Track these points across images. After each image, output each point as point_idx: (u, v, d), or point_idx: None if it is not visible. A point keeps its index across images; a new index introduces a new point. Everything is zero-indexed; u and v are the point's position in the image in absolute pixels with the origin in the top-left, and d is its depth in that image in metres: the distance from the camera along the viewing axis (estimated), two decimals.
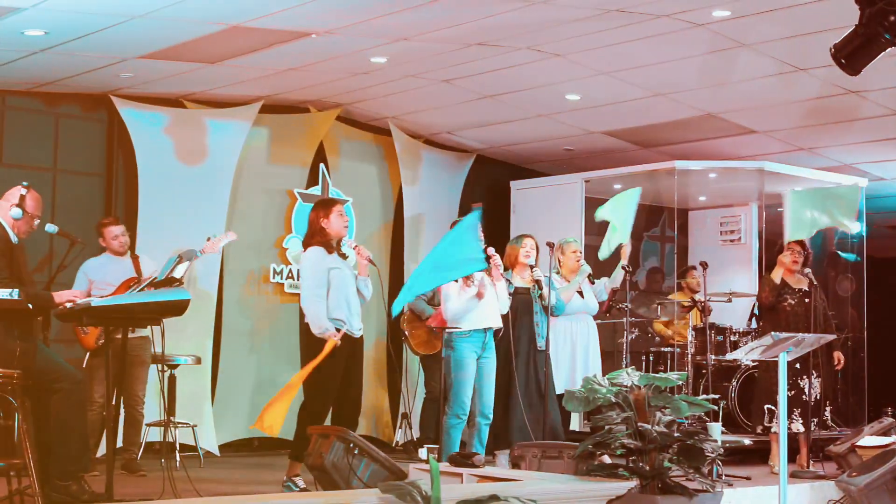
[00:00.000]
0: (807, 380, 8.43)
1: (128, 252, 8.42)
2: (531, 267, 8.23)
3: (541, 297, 8.21)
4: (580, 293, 8.80)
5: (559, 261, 8.87)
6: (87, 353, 8.12)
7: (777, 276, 8.61)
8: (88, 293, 7.78)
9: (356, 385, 7.43)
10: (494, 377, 7.76)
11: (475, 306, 7.53)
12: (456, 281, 7.57)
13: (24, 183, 6.25)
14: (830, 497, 7.49)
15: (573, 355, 8.81)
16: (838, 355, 8.87)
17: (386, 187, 11.31)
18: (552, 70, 9.01)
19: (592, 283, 8.86)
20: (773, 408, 8.38)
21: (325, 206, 7.49)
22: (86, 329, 7.93)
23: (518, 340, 8.05)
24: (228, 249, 10.02)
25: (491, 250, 7.64)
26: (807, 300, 8.55)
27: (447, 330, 7.62)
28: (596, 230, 11.07)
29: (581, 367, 8.77)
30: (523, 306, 8.18)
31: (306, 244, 7.43)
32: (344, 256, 7.42)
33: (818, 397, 8.48)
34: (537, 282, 8.29)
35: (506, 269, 8.17)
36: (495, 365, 7.76)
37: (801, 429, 8.40)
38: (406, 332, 10.06)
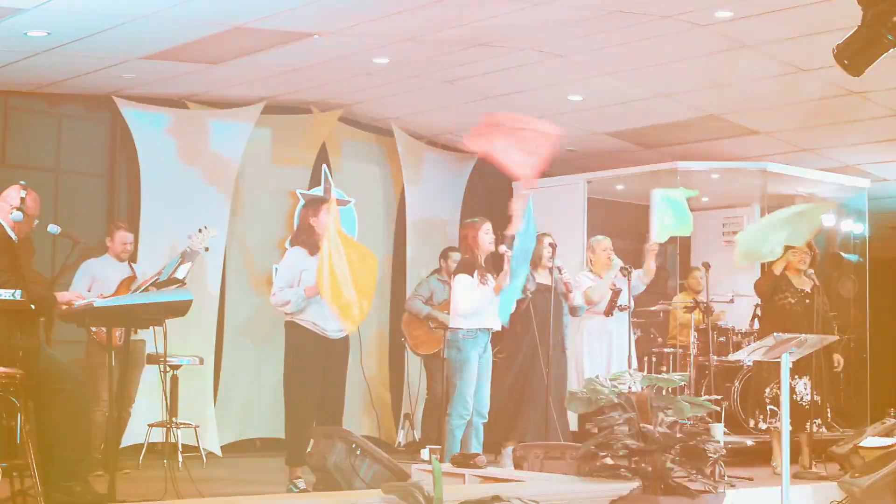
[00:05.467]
0: (798, 380, 8.42)
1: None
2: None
3: (565, 296, 8.22)
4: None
5: (590, 259, 8.87)
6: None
7: (778, 268, 8.58)
8: (88, 290, 7.80)
9: (337, 386, 7.46)
10: (490, 376, 7.78)
11: (490, 302, 7.54)
12: (472, 276, 7.57)
13: (22, 182, 6.22)
14: (833, 498, 7.49)
15: (609, 354, 8.76)
16: (837, 358, 8.85)
17: (388, 188, 11.32)
18: (555, 71, 9.01)
19: (626, 275, 8.73)
20: (774, 409, 8.37)
21: (314, 204, 7.60)
22: (103, 329, 7.92)
23: (546, 340, 8.04)
24: (231, 250, 10.04)
25: (503, 248, 7.66)
26: (808, 301, 8.54)
27: (450, 331, 7.62)
28: (598, 231, 11.07)
29: (616, 367, 8.75)
30: (546, 304, 8.14)
31: (293, 242, 7.58)
32: None
33: (812, 398, 8.43)
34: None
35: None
36: (491, 364, 7.79)
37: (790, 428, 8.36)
38: (405, 333, 10.07)
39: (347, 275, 7.05)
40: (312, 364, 7.28)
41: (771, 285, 8.59)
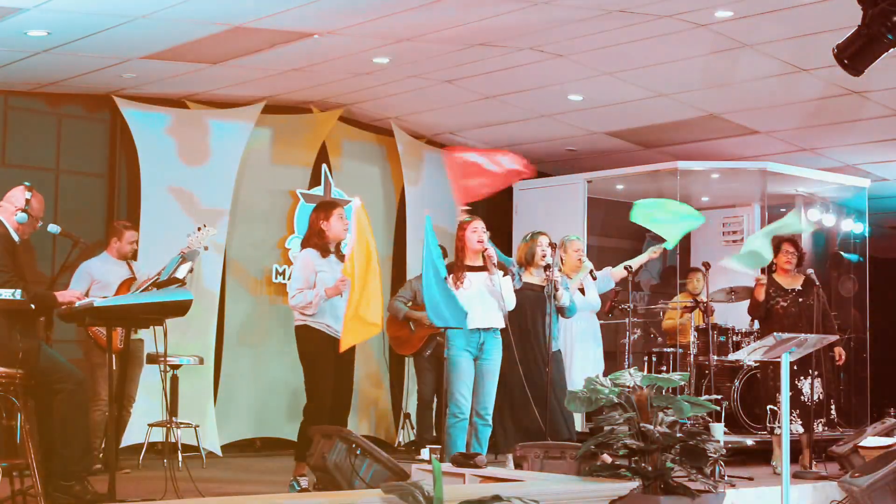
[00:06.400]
0: (804, 380, 8.41)
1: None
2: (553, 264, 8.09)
3: (554, 297, 8.15)
4: (581, 290, 8.76)
5: (561, 259, 8.84)
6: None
7: (760, 293, 8.59)
8: (87, 292, 7.80)
9: (346, 386, 7.48)
10: (496, 379, 7.72)
11: (479, 301, 7.50)
12: (446, 279, 7.51)
13: (27, 183, 6.24)
14: (833, 498, 7.50)
15: (572, 354, 8.78)
16: (839, 350, 8.83)
17: (388, 188, 11.32)
18: (555, 70, 9.01)
19: (595, 278, 8.80)
20: (774, 408, 8.37)
21: (326, 207, 7.54)
22: (102, 330, 7.91)
23: (528, 339, 7.97)
24: (231, 250, 10.04)
25: (486, 244, 7.59)
26: (801, 299, 8.53)
27: (446, 329, 7.60)
28: (598, 230, 11.07)
29: (580, 367, 8.75)
30: (534, 303, 8.07)
31: (304, 244, 7.56)
32: (342, 258, 7.44)
33: (820, 397, 8.45)
34: (591, 273, 8.34)
35: (520, 265, 8.15)
36: (497, 366, 7.71)
37: (801, 430, 8.38)
38: (387, 334, 10.10)
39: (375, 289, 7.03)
40: (327, 365, 7.29)
41: (762, 308, 8.60)
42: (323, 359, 7.30)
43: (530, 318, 8.01)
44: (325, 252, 7.41)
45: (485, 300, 7.54)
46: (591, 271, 8.71)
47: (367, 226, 7.02)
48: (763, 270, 8.69)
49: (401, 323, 9.90)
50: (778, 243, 8.71)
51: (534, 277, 8.14)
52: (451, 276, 7.51)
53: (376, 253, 7.04)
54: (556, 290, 8.01)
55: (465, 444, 7.59)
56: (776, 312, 8.56)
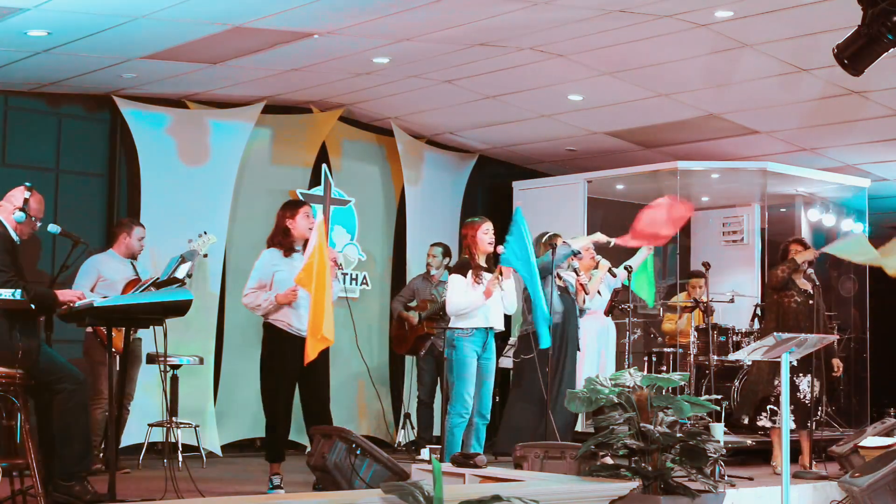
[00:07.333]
0: (802, 377, 8.40)
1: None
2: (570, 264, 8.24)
3: (576, 296, 8.26)
4: (597, 291, 8.82)
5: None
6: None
7: (801, 257, 8.52)
8: (93, 288, 7.81)
9: (321, 385, 7.43)
10: (494, 378, 7.77)
11: (481, 305, 7.52)
12: (465, 277, 7.55)
13: (28, 184, 6.25)
14: (833, 497, 7.51)
15: (592, 353, 8.80)
16: (837, 363, 8.82)
17: (388, 188, 11.32)
18: (555, 70, 9.01)
19: (615, 276, 8.85)
20: (774, 408, 8.36)
21: (292, 206, 7.51)
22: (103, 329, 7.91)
23: (570, 341, 8.09)
24: (231, 250, 10.04)
25: (500, 248, 7.63)
26: (810, 301, 8.54)
27: (449, 329, 7.62)
28: (598, 230, 11.04)
29: (595, 367, 8.78)
30: (569, 306, 8.17)
31: (268, 243, 7.50)
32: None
33: (815, 396, 8.43)
34: (610, 270, 8.63)
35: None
36: (495, 365, 7.77)
37: (792, 426, 8.37)
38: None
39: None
40: (289, 364, 7.19)
41: (788, 277, 8.51)
42: (280, 359, 7.23)
43: (568, 321, 8.12)
44: (288, 251, 7.36)
45: (494, 300, 7.57)
46: (610, 269, 8.74)
47: (325, 242, 6.96)
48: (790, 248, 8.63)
49: (398, 322, 9.97)
50: (786, 245, 8.70)
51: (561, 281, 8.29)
52: (468, 273, 7.55)
53: (327, 267, 6.94)
54: (587, 292, 8.18)
55: (462, 444, 7.62)
56: (788, 307, 8.51)
